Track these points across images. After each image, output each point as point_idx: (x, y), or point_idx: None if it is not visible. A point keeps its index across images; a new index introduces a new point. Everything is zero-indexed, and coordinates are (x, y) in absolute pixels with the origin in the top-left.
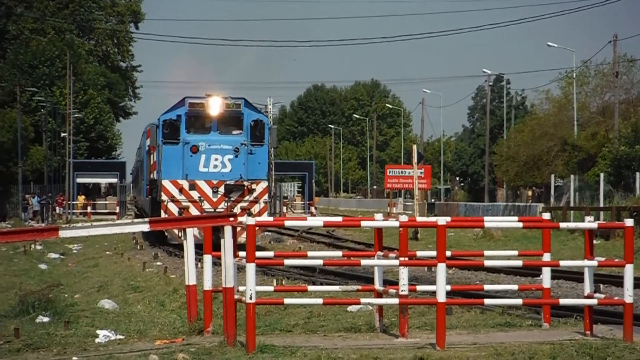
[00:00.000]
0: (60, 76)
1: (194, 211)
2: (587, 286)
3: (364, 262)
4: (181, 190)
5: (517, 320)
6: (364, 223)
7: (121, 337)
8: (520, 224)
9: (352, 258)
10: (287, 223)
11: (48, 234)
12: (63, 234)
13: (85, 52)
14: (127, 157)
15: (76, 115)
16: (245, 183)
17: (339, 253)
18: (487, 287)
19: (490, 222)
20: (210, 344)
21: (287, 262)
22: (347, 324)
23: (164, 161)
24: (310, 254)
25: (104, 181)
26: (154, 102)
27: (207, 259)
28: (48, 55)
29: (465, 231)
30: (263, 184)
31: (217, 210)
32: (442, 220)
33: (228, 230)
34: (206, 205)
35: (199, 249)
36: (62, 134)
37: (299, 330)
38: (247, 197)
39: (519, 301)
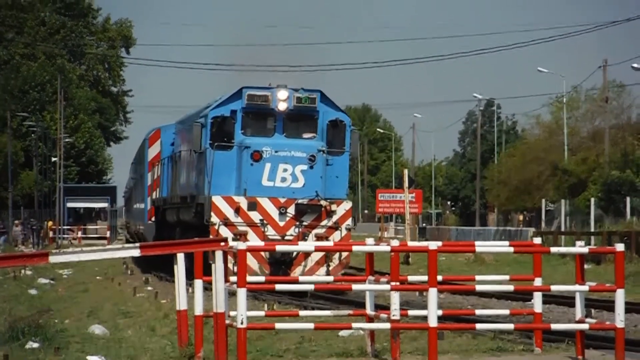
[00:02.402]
0: (51, 101)
1: (253, 238)
2: (579, 311)
3: (355, 286)
4: (238, 210)
5: (508, 345)
6: (355, 247)
7: None
8: (512, 249)
9: (343, 282)
10: (278, 248)
11: (38, 259)
12: (53, 259)
13: (76, 77)
14: (118, 182)
15: (67, 139)
16: (323, 202)
17: (331, 278)
18: (478, 311)
19: (482, 246)
20: None
21: (278, 287)
22: (339, 349)
23: (215, 171)
24: (301, 278)
25: (94, 205)
26: (145, 126)
27: (198, 283)
28: (39, 80)
29: (457, 256)
30: (346, 205)
31: (285, 237)
32: (434, 245)
33: (219, 255)
34: (270, 232)
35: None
36: (53, 159)
37: (290, 355)
38: (324, 222)
39: (511, 326)
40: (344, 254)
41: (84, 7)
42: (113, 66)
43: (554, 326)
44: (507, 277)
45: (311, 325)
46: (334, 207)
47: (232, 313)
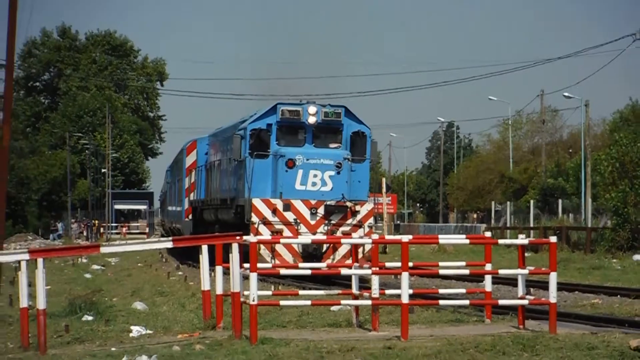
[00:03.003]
0: (101, 124)
1: (288, 235)
2: (520, 290)
3: (343, 271)
4: (274, 211)
5: (465, 317)
6: (343, 240)
7: (150, 332)
8: (468, 241)
9: (334, 268)
10: (282, 240)
11: (92, 250)
12: (103, 250)
13: (121, 104)
14: (154, 188)
15: (113, 155)
16: (348, 204)
17: (324, 264)
18: (441, 291)
19: (444, 239)
20: (222, 337)
21: (283, 271)
22: (331, 321)
23: (255, 177)
24: (301, 265)
25: (135, 207)
26: (176, 144)
27: (219, 269)
28: (91, 107)
29: (424, 246)
30: (368, 206)
31: (316, 234)
32: (405, 238)
33: (235, 246)
34: (302, 229)
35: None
36: (102, 170)
37: (292, 326)
38: (349, 221)
39: (467, 302)
40: (367, 248)
41: (127, 49)
42: (150, 96)
43: (501, 302)
44: (464, 263)
45: (308, 302)
46: (357, 207)
47: (245, 292)
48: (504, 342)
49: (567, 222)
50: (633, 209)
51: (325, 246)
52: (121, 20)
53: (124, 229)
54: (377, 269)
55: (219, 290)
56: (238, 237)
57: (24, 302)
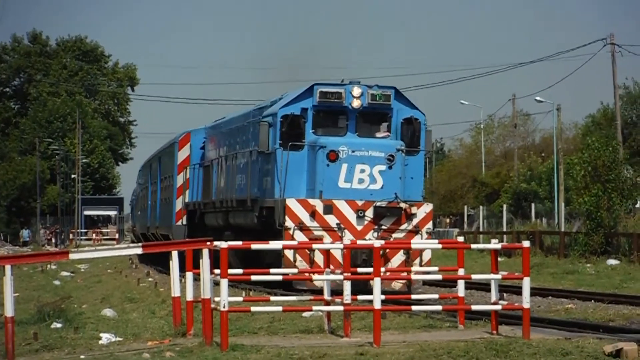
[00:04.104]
0: (71, 129)
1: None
2: (493, 295)
3: (315, 277)
4: (313, 213)
5: (438, 322)
6: (315, 246)
7: (120, 339)
8: (440, 245)
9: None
10: (254, 246)
11: (60, 256)
12: (73, 256)
13: (91, 110)
14: (125, 194)
15: (84, 160)
16: (403, 205)
17: (295, 270)
18: (414, 296)
19: (417, 244)
20: (192, 344)
21: (254, 277)
22: (302, 327)
23: (289, 172)
24: (272, 271)
25: (106, 213)
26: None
27: (189, 275)
28: (61, 113)
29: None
30: (426, 207)
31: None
32: (377, 243)
33: (206, 252)
34: (347, 236)
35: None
36: (72, 176)
37: (263, 332)
38: (404, 225)
39: (439, 307)
40: (425, 259)
41: (97, 54)
42: (121, 101)
43: (474, 307)
44: (436, 269)
45: (280, 308)
46: (414, 209)
47: (216, 299)
48: (477, 348)
49: (540, 226)
50: (606, 213)
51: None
52: (92, 26)
53: (98, 236)
54: (349, 274)
55: (190, 296)
56: (208, 243)
57: None
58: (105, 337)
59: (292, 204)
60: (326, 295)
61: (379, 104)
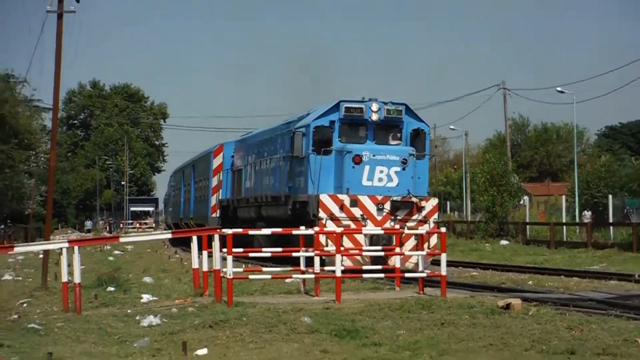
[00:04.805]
0: (121, 150)
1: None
2: (420, 265)
3: (295, 254)
4: (342, 207)
5: (381, 286)
6: (294, 231)
7: (156, 298)
8: (382, 231)
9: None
10: (250, 232)
11: (113, 239)
12: (122, 239)
13: (135, 136)
14: (159, 195)
15: (130, 171)
16: (414, 199)
17: (280, 249)
18: (364, 267)
19: (367, 230)
20: (207, 301)
21: (251, 254)
22: (285, 290)
23: (322, 173)
24: (264, 250)
25: (146, 209)
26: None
27: (205, 253)
28: (114, 138)
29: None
30: (432, 202)
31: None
32: (339, 230)
33: (216, 237)
34: (369, 225)
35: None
36: (122, 183)
37: (257, 293)
38: (415, 216)
39: (382, 275)
40: (432, 244)
41: (139, 96)
42: (156, 129)
43: (407, 275)
44: (380, 247)
45: (269, 276)
46: (423, 203)
47: (224, 269)
48: (409, 303)
49: (454, 217)
50: (499, 208)
51: (394, 242)
52: (136, 75)
53: (140, 225)
54: (318, 252)
55: (205, 268)
56: (218, 230)
57: (64, 278)
58: (146, 297)
59: (325, 198)
60: (302, 267)
61: (393, 117)
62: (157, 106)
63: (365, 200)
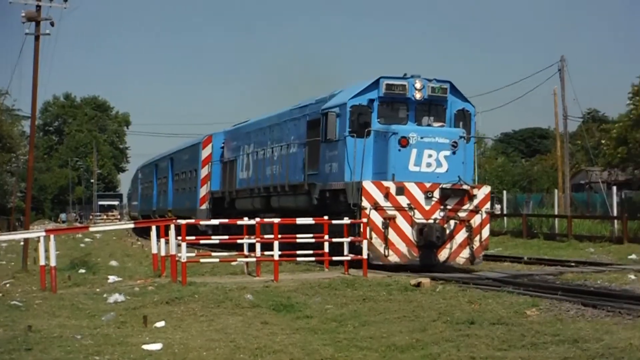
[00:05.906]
0: (90, 152)
1: (401, 222)
2: (346, 250)
3: (239, 241)
4: (387, 195)
5: (312, 267)
6: (239, 222)
7: (121, 279)
8: (313, 221)
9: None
10: (202, 222)
11: (84, 229)
12: (92, 229)
13: (102, 140)
14: (123, 191)
15: (98, 171)
16: (465, 187)
17: (226, 237)
18: (299, 252)
19: (301, 220)
20: (164, 281)
21: (202, 241)
22: (231, 271)
23: (358, 158)
24: (213, 237)
25: (112, 203)
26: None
27: (162, 241)
28: (84, 142)
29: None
30: (485, 189)
31: (430, 221)
32: (277, 220)
33: (172, 227)
34: (417, 215)
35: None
36: (91, 181)
37: (207, 274)
38: (466, 206)
39: (313, 258)
40: (484, 237)
41: (106, 106)
42: (121, 135)
43: (335, 258)
44: (312, 235)
45: (217, 260)
46: (475, 191)
47: (179, 254)
48: (336, 282)
49: None
50: None
51: (446, 235)
52: (103, 88)
53: (107, 217)
54: (259, 239)
55: (162, 253)
56: (174, 221)
57: (42, 262)
58: (112, 278)
59: (368, 185)
60: (246, 251)
61: (437, 96)
62: (122, 115)
63: (412, 187)
